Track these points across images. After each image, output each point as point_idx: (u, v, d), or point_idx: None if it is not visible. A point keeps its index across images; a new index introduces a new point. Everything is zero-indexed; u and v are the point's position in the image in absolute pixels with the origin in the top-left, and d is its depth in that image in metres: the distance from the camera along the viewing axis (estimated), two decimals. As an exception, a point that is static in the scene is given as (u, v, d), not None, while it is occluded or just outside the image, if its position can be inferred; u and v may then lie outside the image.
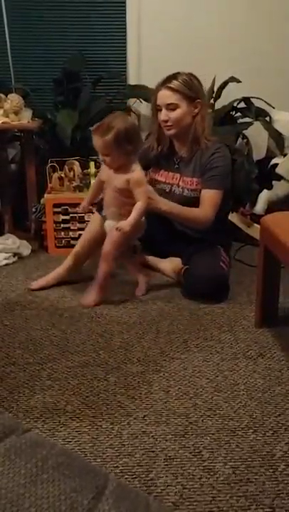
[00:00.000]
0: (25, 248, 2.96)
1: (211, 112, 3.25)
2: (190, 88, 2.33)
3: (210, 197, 2.36)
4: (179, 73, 2.36)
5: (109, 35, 3.51)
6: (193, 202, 2.39)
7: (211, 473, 1.35)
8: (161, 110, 2.37)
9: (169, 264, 2.60)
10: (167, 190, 2.52)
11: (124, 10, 3.46)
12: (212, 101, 3.34)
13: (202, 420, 1.55)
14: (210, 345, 1.99)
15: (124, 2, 3.45)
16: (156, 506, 0.50)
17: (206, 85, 3.27)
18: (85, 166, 3.09)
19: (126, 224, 2.15)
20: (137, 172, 2.20)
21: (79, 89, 3.41)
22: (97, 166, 3.08)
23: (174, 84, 2.32)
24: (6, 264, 2.80)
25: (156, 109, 2.40)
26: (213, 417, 1.57)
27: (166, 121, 2.37)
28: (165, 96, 2.34)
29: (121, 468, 1.36)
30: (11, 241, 2.95)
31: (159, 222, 2.44)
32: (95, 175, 3.01)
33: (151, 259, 2.68)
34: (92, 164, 3.05)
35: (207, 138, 2.38)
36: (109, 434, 1.49)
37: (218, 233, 2.49)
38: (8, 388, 1.70)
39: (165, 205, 2.31)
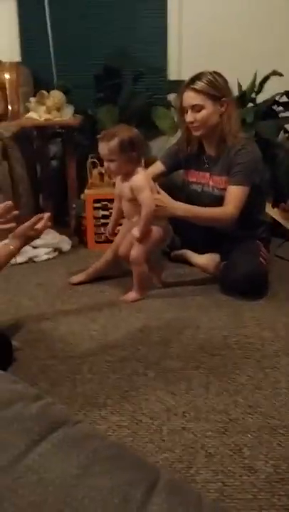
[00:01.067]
0: (66, 243, 3.00)
1: (252, 107, 3.22)
2: (215, 87, 2.29)
3: (233, 193, 2.32)
4: (202, 73, 2.33)
5: (150, 30, 3.50)
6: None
7: (252, 472, 1.33)
8: (187, 112, 2.34)
9: (208, 260, 2.59)
10: (199, 191, 2.50)
11: (165, 5, 3.45)
12: (254, 95, 3.30)
13: (242, 418, 1.54)
14: (250, 342, 1.97)
15: (165, -2, 3.44)
16: (207, 502, 0.50)
17: (248, 80, 3.25)
18: (124, 162, 3.10)
19: (136, 233, 2.24)
20: (136, 177, 2.22)
21: (119, 85, 3.42)
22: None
23: (198, 85, 2.29)
24: (47, 259, 2.84)
25: (183, 111, 2.38)
26: (254, 414, 1.55)
27: (193, 123, 2.34)
28: (190, 97, 2.31)
29: (161, 463, 1.37)
30: (52, 236, 2.99)
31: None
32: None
33: (190, 254, 2.67)
34: (132, 160, 3.06)
35: (235, 135, 2.34)
36: (149, 429, 1.50)
37: (256, 228, 2.47)
38: (50, 381, 1.73)
39: (180, 209, 2.26)
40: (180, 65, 3.52)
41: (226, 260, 2.44)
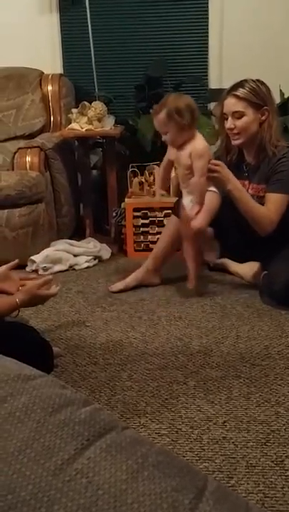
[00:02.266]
0: (106, 251, 3.03)
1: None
2: (256, 95, 2.28)
3: (274, 200, 2.31)
4: (245, 80, 2.32)
5: (191, 39, 3.53)
6: None
7: (294, 484, 1.31)
8: (227, 118, 2.34)
9: (248, 269, 2.57)
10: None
11: (207, 14, 3.47)
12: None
13: (285, 429, 1.52)
14: (292, 352, 1.94)
15: (207, 7, 3.45)
16: (256, 509, 0.50)
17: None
18: (164, 171, 3.12)
19: (198, 222, 2.22)
20: (197, 141, 2.21)
21: (160, 94, 3.44)
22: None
23: (240, 92, 2.29)
24: (87, 267, 2.88)
25: (223, 118, 2.37)
26: (296, 426, 1.53)
27: (233, 130, 2.33)
28: (231, 104, 2.31)
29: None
30: (92, 244, 3.03)
31: (237, 226, 2.42)
32: (175, 180, 3.04)
33: (229, 263, 2.66)
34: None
35: (275, 144, 2.32)
36: (188, 438, 1.50)
37: None
38: (90, 387, 1.75)
39: (232, 183, 2.26)
40: (221, 73, 3.52)
41: (265, 269, 2.42)
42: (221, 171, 2.26)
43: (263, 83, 2.33)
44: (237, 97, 2.29)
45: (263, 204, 2.35)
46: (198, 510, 0.47)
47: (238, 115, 2.30)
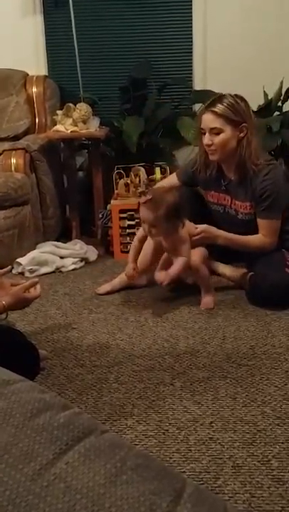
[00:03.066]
0: (92, 253, 3.02)
1: (278, 116, 3.20)
2: (235, 112, 2.24)
3: (267, 226, 2.33)
4: (224, 96, 2.28)
5: (175, 41, 3.53)
6: (250, 225, 2.36)
7: (281, 483, 1.32)
8: (205, 134, 2.30)
9: (234, 270, 2.58)
10: (221, 211, 2.49)
11: (191, 16, 3.47)
12: (280, 103, 3.29)
13: (271, 429, 1.52)
14: (278, 352, 1.95)
15: (190, 8, 3.46)
16: (234, 511, 0.50)
17: (274, 88, 3.24)
18: (150, 172, 3.12)
19: (165, 276, 2.23)
20: (180, 234, 2.24)
21: (145, 96, 3.45)
22: (163, 172, 3.10)
23: (218, 108, 2.24)
24: (74, 269, 2.87)
25: (201, 133, 2.33)
26: (283, 425, 1.54)
27: (210, 146, 2.29)
28: (209, 120, 2.26)
29: (188, 473, 1.36)
30: (79, 246, 3.02)
31: (224, 227, 2.43)
32: (160, 180, 3.04)
33: (216, 265, 2.66)
34: (157, 170, 3.08)
35: (254, 162, 2.28)
36: (175, 439, 1.50)
37: (281, 239, 2.44)
38: (77, 390, 1.74)
39: (221, 238, 2.34)
40: (205, 75, 3.53)
41: (251, 269, 2.43)
42: (208, 235, 2.30)
43: (242, 99, 2.29)
44: (215, 113, 2.24)
45: (249, 219, 2.37)
46: (176, 513, 0.47)
47: (216, 131, 2.26)
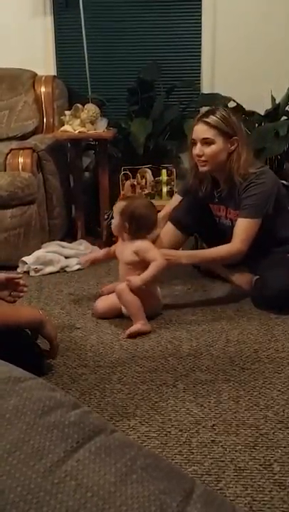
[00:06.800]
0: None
1: (286, 120, 3.21)
2: (227, 124, 2.26)
3: (241, 227, 2.28)
4: (217, 108, 2.32)
5: (184, 44, 3.54)
6: None
7: (282, 487, 1.32)
8: (196, 144, 2.31)
9: (240, 276, 2.58)
10: (217, 222, 2.51)
11: (200, 19, 3.49)
12: (288, 108, 3.29)
13: (273, 433, 1.52)
14: (281, 356, 1.95)
15: (200, 11, 3.47)
16: (242, 513, 0.51)
17: (281, 93, 3.25)
18: (156, 174, 3.13)
19: (138, 279, 2.14)
20: (143, 242, 2.22)
21: (153, 98, 3.46)
22: (169, 174, 3.12)
23: (211, 119, 2.26)
24: (79, 269, 2.88)
25: (192, 144, 2.34)
26: (285, 430, 1.54)
27: (201, 156, 2.30)
28: (201, 130, 2.28)
29: (190, 475, 1.37)
30: (84, 246, 3.03)
31: (224, 237, 2.43)
32: (167, 183, 3.05)
33: (221, 270, 2.67)
34: (164, 172, 3.09)
35: (243, 175, 2.28)
36: (178, 441, 1.50)
37: (284, 245, 2.44)
38: (80, 390, 1.75)
39: (184, 257, 2.33)
40: (213, 78, 3.54)
41: (255, 273, 2.43)
42: (168, 258, 2.24)
43: (234, 113, 2.32)
44: (208, 123, 2.26)
45: None
46: (185, 513, 0.48)
47: (208, 142, 2.27)
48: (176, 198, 2.63)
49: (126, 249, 2.26)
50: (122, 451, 0.54)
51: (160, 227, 2.49)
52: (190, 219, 2.51)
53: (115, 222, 2.27)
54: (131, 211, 2.20)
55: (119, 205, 2.26)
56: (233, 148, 2.28)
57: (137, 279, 2.14)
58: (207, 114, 2.30)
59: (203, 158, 2.30)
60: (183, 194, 2.60)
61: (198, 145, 2.29)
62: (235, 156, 2.28)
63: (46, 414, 0.59)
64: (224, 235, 2.40)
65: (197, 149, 2.30)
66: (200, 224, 2.52)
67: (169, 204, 2.68)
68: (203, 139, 2.27)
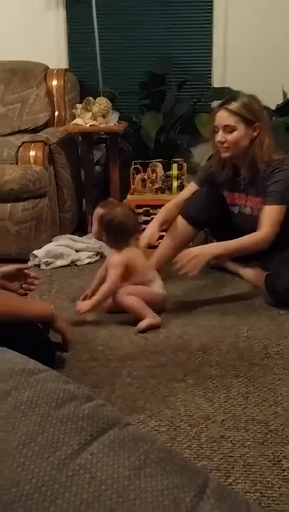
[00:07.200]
0: (107, 248, 3.02)
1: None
2: (249, 111, 2.26)
3: (267, 214, 2.28)
4: (239, 95, 2.32)
5: (195, 38, 3.52)
6: None
7: (291, 484, 1.32)
8: (218, 131, 2.31)
9: (251, 271, 2.57)
10: (236, 212, 2.50)
11: (211, 13, 3.46)
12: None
13: (282, 429, 1.52)
14: (291, 353, 1.95)
15: (211, 5, 3.45)
16: (256, 509, 0.50)
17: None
18: (167, 168, 3.12)
19: (87, 304, 2.16)
20: (113, 255, 2.22)
21: (164, 92, 3.45)
22: (180, 169, 3.10)
23: (233, 106, 2.26)
24: (89, 263, 2.88)
25: (214, 131, 2.35)
26: (294, 426, 1.54)
27: (223, 143, 2.31)
28: (223, 117, 2.28)
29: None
30: (94, 240, 3.02)
31: (240, 229, 2.43)
32: (178, 177, 3.04)
33: (232, 265, 2.66)
34: (174, 166, 3.07)
35: (267, 161, 2.29)
36: (187, 436, 1.50)
37: None
38: (91, 383, 1.75)
39: (214, 248, 2.31)
40: (225, 72, 3.52)
41: (266, 269, 2.42)
42: (194, 250, 2.24)
43: (256, 99, 2.31)
44: (229, 110, 2.27)
45: None
46: (199, 508, 0.48)
47: (229, 129, 2.27)
48: (190, 189, 2.61)
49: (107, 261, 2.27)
50: (136, 445, 0.54)
51: (165, 219, 2.50)
52: (202, 213, 2.50)
53: (94, 229, 2.25)
54: (108, 220, 2.16)
55: (98, 212, 2.20)
56: (255, 134, 2.29)
57: (86, 304, 2.16)
58: (229, 100, 2.30)
59: (225, 145, 2.31)
60: (201, 182, 2.57)
61: (221, 132, 2.30)
62: (258, 142, 2.29)
63: (60, 406, 0.59)
64: (238, 228, 2.39)
65: (219, 136, 2.31)
66: (212, 218, 2.51)
67: (178, 196, 2.66)
68: (225, 126, 2.28)
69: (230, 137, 2.29)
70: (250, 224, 2.37)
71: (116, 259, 2.20)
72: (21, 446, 0.53)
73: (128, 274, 2.20)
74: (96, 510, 0.47)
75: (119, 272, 2.17)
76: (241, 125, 2.27)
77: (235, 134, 2.28)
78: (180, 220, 2.49)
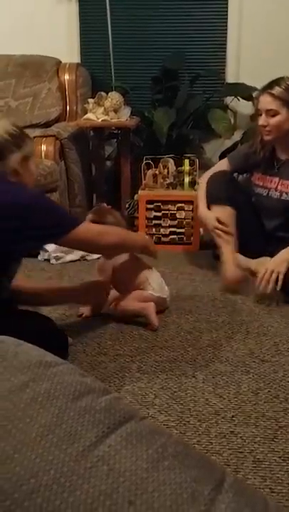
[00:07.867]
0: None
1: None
2: None
3: None
4: (282, 78, 2.35)
5: (210, 33, 3.50)
6: None
7: (301, 481, 1.32)
8: (261, 115, 2.37)
9: (260, 265, 2.56)
10: (264, 195, 2.52)
11: (226, 7, 3.44)
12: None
13: (292, 426, 1.52)
14: (302, 350, 1.95)
15: (226, 0, 3.42)
16: (273, 504, 0.51)
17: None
18: (179, 164, 3.11)
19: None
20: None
21: (177, 87, 3.43)
22: (191, 164, 3.10)
23: (276, 90, 2.32)
24: (99, 258, 2.88)
25: (257, 114, 2.41)
26: (304, 423, 1.54)
27: (265, 127, 2.37)
28: (266, 102, 2.34)
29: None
30: (104, 235, 3.03)
31: (252, 223, 2.43)
32: (189, 173, 3.04)
33: (243, 260, 2.64)
34: (186, 162, 3.07)
35: None
36: (196, 431, 1.50)
37: None
38: (100, 377, 1.76)
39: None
40: (238, 67, 3.50)
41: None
42: (277, 266, 2.26)
43: None
44: (272, 95, 2.32)
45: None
46: (217, 502, 0.48)
47: (272, 113, 2.34)
48: (223, 165, 2.64)
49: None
50: (153, 438, 0.55)
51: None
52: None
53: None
54: None
55: (89, 218, 2.08)
56: None
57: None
58: (272, 84, 2.35)
59: (267, 129, 2.37)
60: (234, 161, 2.61)
61: (263, 115, 2.37)
62: None
63: (77, 399, 0.59)
64: (261, 212, 2.48)
65: (262, 120, 2.37)
66: (234, 200, 2.50)
67: (210, 170, 2.66)
68: (268, 110, 2.34)
69: (273, 121, 2.34)
70: (276, 207, 2.43)
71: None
72: (40, 437, 0.54)
73: (118, 278, 2.19)
74: (115, 501, 0.47)
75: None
76: (284, 109, 2.32)
77: (277, 117, 2.33)
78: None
